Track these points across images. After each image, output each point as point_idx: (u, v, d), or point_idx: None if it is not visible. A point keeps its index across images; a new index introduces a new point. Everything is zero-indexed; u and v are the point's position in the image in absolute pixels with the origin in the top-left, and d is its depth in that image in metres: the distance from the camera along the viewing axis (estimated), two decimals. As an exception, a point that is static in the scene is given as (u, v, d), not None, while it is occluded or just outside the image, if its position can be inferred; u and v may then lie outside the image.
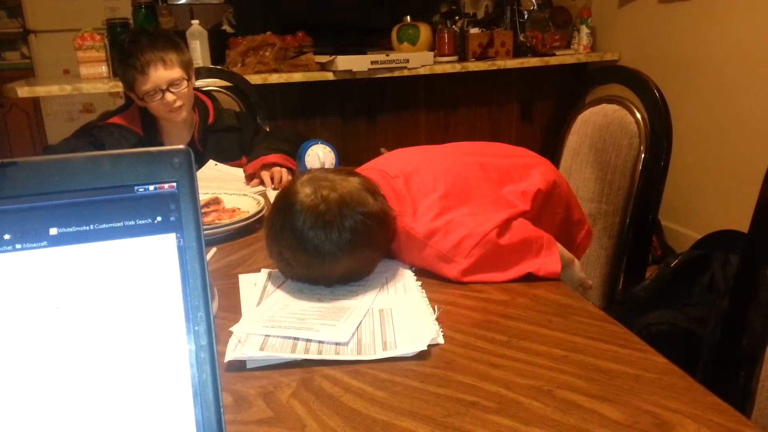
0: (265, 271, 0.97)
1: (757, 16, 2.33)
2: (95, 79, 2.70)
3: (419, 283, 0.91)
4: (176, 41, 1.60)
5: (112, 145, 1.57)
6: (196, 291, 0.42)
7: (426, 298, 0.85)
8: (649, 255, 1.27)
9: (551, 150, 1.53)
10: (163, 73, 1.52)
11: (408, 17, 3.16)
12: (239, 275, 0.97)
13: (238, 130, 1.74)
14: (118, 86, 2.68)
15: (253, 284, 0.93)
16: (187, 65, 1.58)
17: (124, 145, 1.57)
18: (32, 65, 4.05)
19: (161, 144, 1.62)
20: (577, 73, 3.16)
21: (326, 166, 1.35)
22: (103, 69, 2.73)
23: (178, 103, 1.55)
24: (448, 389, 0.65)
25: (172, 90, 1.53)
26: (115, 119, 1.65)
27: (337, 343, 0.74)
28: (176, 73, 1.54)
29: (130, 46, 1.54)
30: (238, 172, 1.59)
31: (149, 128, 1.63)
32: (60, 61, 3.59)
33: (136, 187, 0.42)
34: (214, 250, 1.10)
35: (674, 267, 1.18)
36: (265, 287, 0.91)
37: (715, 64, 2.54)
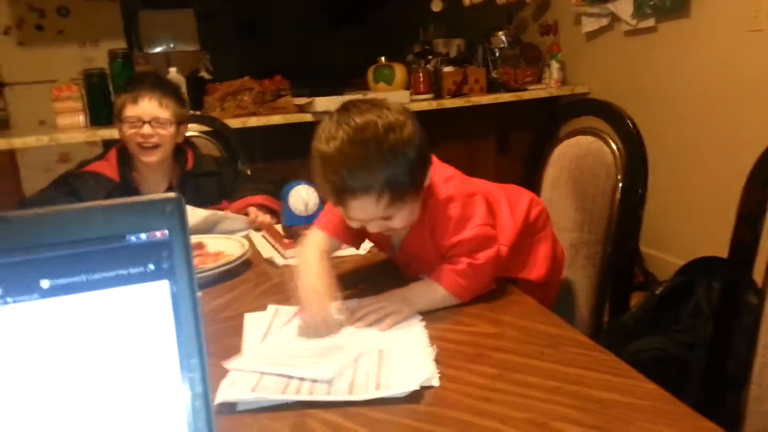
0: (272, 308, 0.96)
1: (719, 45, 2.42)
2: (72, 129, 2.70)
3: (423, 323, 0.90)
4: (182, 96, 1.64)
5: (87, 192, 1.56)
6: (190, 338, 0.42)
7: (427, 338, 0.84)
8: (632, 282, 1.28)
9: (530, 182, 1.55)
10: (153, 108, 1.54)
11: (383, 58, 3.23)
12: (245, 314, 0.96)
13: (217, 175, 1.74)
14: (96, 135, 2.68)
15: (258, 323, 0.92)
16: (180, 118, 1.60)
17: (100, 193, 1.55)
18: (7, 117, 4.03)
19: (137, 191, 1.62)
20: (550, 107, 3.24)
21: (310, 207, 1.36)
22: (81, 119, 2.73)
23: (154, 140, 1.54)
24: (443, 427, 0.64)
25: (154, 124, 1.54)
26: (91, 167, 1.64)
27: (325, 381, 0.73)
28: (165, 114, 1.55)
29: (138, 78, 1.63)
30: (208, 212, 1.56)
31: (126, 175, 1.62)
32: (36, 112, 3.57)
33: (127, 236, 0.42)
34: (199, 294, 1.08)
35: (659, 294, 1.20)
36: (270, 325, 0.91)
37: (682, 93, 2.62)
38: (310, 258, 0.99)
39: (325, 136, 0.89)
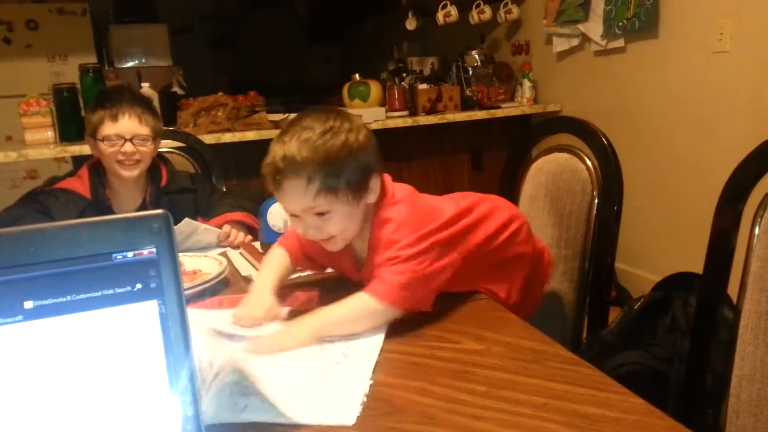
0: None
1: (686, 66, 2.49)
2: (41, 144, 2.63)
3: (379, 348, 0.86)
4: (155, 110, 1.61)
5: (58, 210, 1.52)
6: (180, 359, 0.40)
7: (371, 370, 0.80)
8: (609, 296, 1.29)
9: (507, 198, 1.56)
10: (134, 125, 1.52)
11: (357, 75, 3.24)
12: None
13: (192, 192, 1.72)
14: (66, 151, 2.62)
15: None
16: (157, 132, 1.58)
17: (71, 210, 1.52)
18: (-28, 133, 3.92)
19: (110, 208, 1.58)
20: (523, 124, 3.28)
21: (289, 224, 1.34)
22: (50, 134, 2.67)
23: (137, 157, 1.52)
24: (432, 446, 0.64)
25: (135, 142, 1.51)
26: (62, 184, 1.60)
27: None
28: (145, 130, 1.54)
29: (112, 93, 1.58)
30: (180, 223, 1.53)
31: (98, 192, 1.58)
32: (2, 127, 3.48)
33: (114, 255, 0.40)
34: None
35: (638, 309, 1.21)
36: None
37: (651, 110, 2.69)
38: (271, 263, 1.10)
39: (280, 134, 0.96)
